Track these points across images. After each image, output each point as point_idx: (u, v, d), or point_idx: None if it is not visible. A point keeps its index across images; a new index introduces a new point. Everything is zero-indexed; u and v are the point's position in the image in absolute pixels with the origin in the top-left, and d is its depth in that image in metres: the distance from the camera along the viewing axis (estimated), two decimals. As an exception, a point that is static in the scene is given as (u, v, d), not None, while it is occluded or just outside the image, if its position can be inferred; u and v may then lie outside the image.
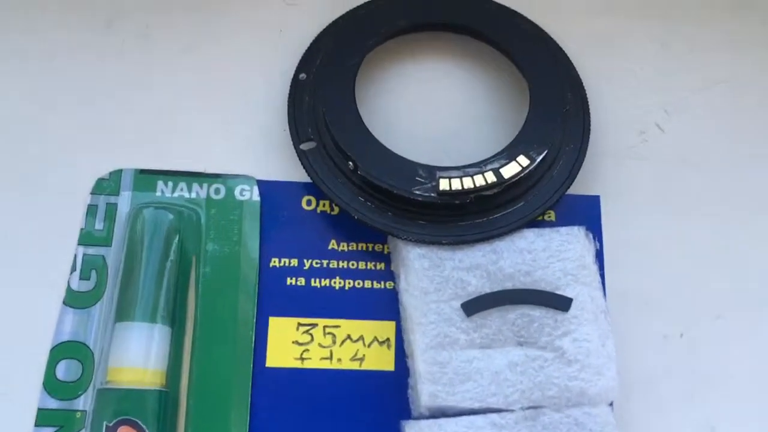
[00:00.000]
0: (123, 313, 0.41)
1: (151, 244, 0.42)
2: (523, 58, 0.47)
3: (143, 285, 0.41)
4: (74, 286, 0.43)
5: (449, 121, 0.48)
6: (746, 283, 0.46)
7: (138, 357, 0.40)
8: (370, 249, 0.45)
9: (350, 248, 0.45)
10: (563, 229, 0.44)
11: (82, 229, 0.44)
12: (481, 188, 0.42)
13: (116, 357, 0.40)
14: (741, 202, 0.48)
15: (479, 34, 0.48)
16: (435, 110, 0.48)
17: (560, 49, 0.49)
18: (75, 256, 0.43)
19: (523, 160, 0.43)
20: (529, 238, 0.43)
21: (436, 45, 0.50)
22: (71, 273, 0.43)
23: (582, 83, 0.48)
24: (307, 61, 0.47)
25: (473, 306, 0.42)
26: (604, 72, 0.49)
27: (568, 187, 0.45)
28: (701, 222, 0.47)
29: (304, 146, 0.45)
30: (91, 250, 0.43)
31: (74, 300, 0.42)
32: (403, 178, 0.43)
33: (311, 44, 0.48)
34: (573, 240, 0.43)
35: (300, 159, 0.45)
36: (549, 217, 0.46)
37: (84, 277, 0.43)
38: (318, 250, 0.45)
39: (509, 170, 0.43)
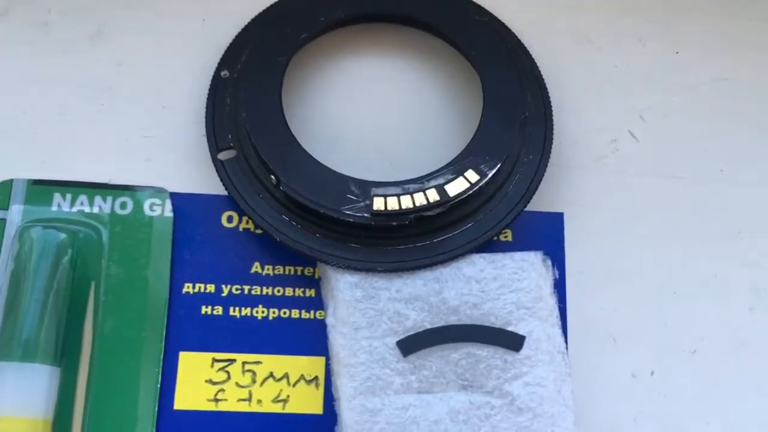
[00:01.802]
0: (0, 351, 0.35)
1: (36, 269, 0.36)
2: (477, 55, 0.41)
3: (24, 318, 0.35)
4: (-47, 315, 0.37)
5: (391, 128, 0.42)
6: (726, 312, 0.41)
7: (15, 404, 0.34)
8: (299, 273, 0.39)
9: (276, 272, 0.39)
10: (517, 255, 0.38)
11: (-37, 249, 0.38)
12: (422, 208, 0.37)
13: (-9, 404, 0.34)
14: (725, 222, 0.42)
15: (428, 26, 0.43)
16: (375, 115, 0.42)
17: (521, 44, 0.43)
18: (-45, 281, 0.38)
19: (472, 176, 0.38)
20: (478, 265, 0.38)
21: (378, 39, 0.44)
22: (-51, 300, 0.37)
23: (545, 84, 0.42)
24: (230, 57, 0.41)
25: (411, 344, 0.37)
26: (571, 71, 0.44)
27: (525, 206, 0.39)
28: (678, 244, 0.42)
29: (222, 155, 0.39)
30: (-26, 273, 0.38)
31: (-48, 332, 0.37)
32: (332, 196, 0.37)
33: (236, 36, 0.42)
34: (528, 267, 0.38)
35: (217, 170, 0.39)
36: (505, 236, 0.40)
37: (-35, 305, 0.37)
38: (239, 274, 0.39)
39: (455, 187, 0.37)
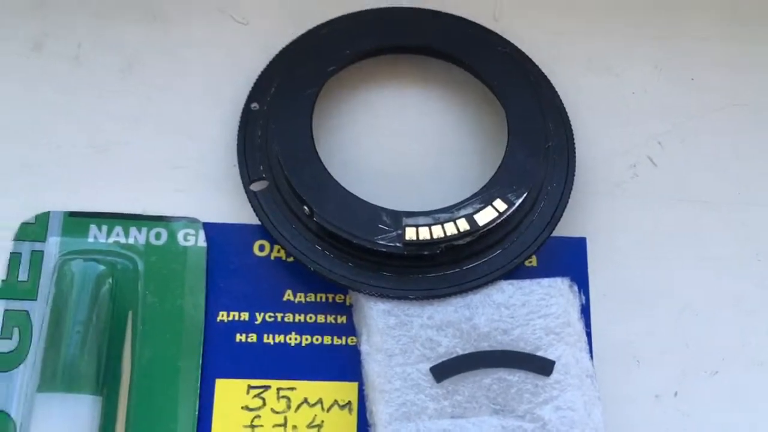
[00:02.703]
0: (43, 382, 0.36)
1: (77, 302, 0.37)
2: (500, 85, 0.42)
3: (66, 349, 0.36)
4: (-6, 346, 0.38)
5: (419, 158, 0.43)
6: (746, 333, 0.42)
7: (60, 434, 0.35)
8: (331, 300, 0.40)
9: (308, 299, 0.40)
10: (545, 281, 0.39)
11: (3, 280, 0.39)
12: (453, 237, 0.38)
13: (36, 435, 0.35)
14: (743, 244, 0.43)
15: (452, 58, 0.44)
16: (403, 145, 0.43)
17: (542, 74, 0.44)
18: (-5, 312, 0.38)
19: (500, 205, 0.38)
20: (506, 292, 0.39)
21: (404, 70, 0.45)
22: (-10, 331, 0.38)
23: (566, 112, 0.43)
24: (259, 89, 0.42)
25: (444, 370, 0.37)
26: (590, 99, 0.45)
27: (551, 232, 0.40)
28: (698, 266, 0.42)
29: (254, 186, 0.40)
30: (13, 305, 0.39)
31: (-6, 362, 0.38)
32: (364, 226, 0.38)
33: (265, 69, 0.43)
34: (556, 293, 0.39)
35: (250, 201, 0.40)
36: (529, 262, 0.41)
37: (5, 335, 0.38)
38: (272, 301, 0.40)
39: (484, 216, 0.38)
